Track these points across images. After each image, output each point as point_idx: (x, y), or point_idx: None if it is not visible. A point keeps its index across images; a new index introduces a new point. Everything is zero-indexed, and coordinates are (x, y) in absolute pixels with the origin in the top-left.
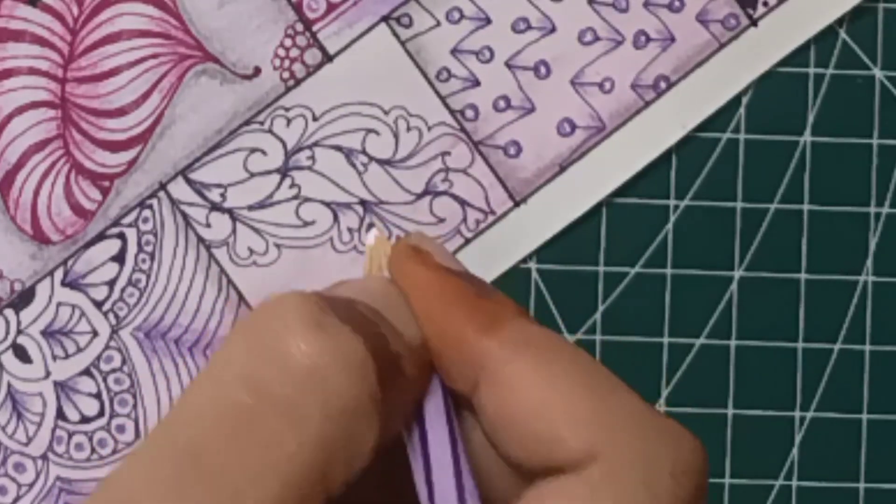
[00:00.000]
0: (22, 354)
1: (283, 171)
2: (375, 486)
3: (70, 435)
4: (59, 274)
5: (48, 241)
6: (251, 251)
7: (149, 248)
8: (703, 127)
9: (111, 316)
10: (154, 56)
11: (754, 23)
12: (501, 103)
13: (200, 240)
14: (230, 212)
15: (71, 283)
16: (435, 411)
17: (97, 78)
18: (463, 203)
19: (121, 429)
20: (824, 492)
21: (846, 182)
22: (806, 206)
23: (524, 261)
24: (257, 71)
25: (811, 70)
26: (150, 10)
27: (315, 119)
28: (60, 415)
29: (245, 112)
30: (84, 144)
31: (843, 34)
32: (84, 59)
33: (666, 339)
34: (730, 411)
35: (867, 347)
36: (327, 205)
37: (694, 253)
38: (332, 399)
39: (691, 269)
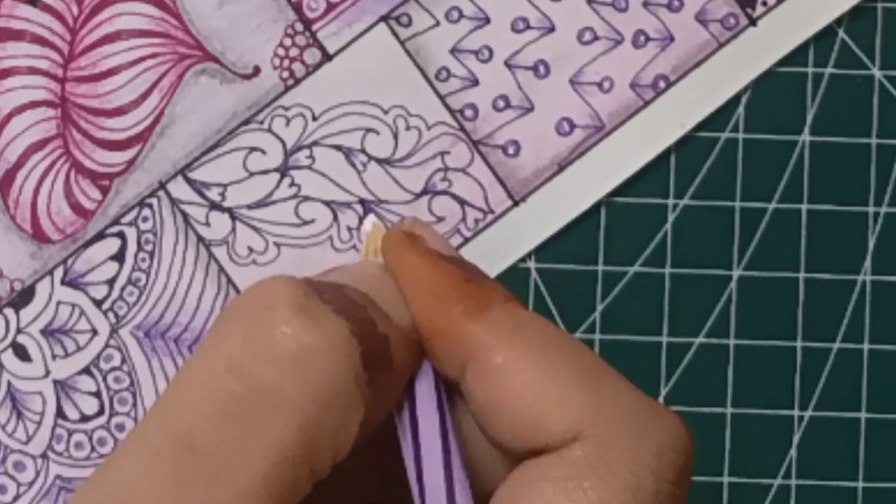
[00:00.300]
0: (22, 353)
1: (283, 171)
2: (367, 469)
3: (70, 434)
4: (58, 273)
5: (48, 240)
6: (251, 250)
7: (148, 247)
8: (701, 126)
9: (111, 315)
10: (154, 55)
11: (753, 22)
12: (500, 103)
13: (200, 239)
14: (230, 211)
15: (71, 282)
16: (426, 394)
17: (97, 77)
18: (462, 202)
19: (120, 427)
20: (823, 491)
21: (845, 182)
22: (805, 206)
23: (523, 260)
24: (257, 70)
25: (810, 70)
26: (149, 10)
27: (314, 118)
28: (60, 413)
29: (244, 111)
30: (84, 144)
31: (841, 34)
32: (84, 59)
33: (665, 339)
34: (728, 410)
35: (866, 347)
36: (327, 204)
37: (693, 252)
38: (316, 381)
39: (690, 269)
